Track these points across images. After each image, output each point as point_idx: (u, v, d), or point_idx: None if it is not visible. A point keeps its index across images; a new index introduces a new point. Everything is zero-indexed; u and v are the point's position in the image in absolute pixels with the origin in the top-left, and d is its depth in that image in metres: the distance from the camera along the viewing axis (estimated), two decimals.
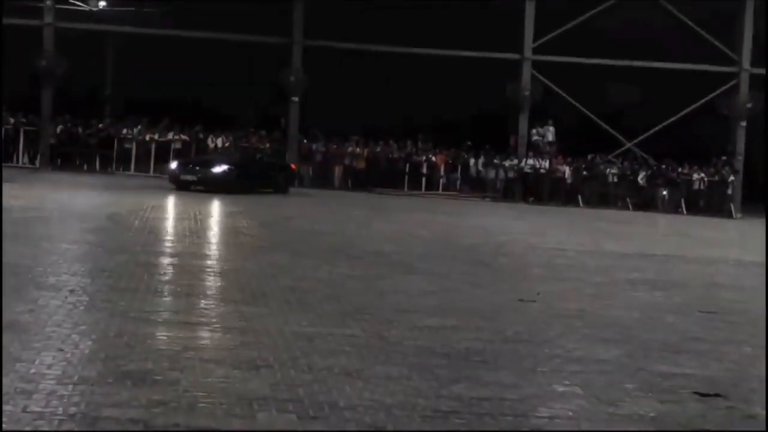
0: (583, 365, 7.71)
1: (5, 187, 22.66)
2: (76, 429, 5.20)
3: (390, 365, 7.23)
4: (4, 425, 5.17)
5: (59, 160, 33.20)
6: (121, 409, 5.59)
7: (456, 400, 6.33)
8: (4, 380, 6.01)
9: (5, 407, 5.46)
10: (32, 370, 6.32)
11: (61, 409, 5.53)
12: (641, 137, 35.02)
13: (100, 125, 34.04)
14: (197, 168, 27.19)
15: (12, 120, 33.06)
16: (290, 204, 25.65)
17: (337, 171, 34.08)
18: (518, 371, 7.38)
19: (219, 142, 33.35)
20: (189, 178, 26.66)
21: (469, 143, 34.57)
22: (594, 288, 12.74)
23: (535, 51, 34.23)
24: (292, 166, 31.97)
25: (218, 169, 27.10)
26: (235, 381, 6.44)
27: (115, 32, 35.45)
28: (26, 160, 32.98)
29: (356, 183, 33.48)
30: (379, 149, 34.39)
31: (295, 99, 33.57)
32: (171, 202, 22.49)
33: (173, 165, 28.22)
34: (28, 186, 23.99)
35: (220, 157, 29.44)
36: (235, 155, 30.28)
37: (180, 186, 26.33)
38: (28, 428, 5.14)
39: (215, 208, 21.84)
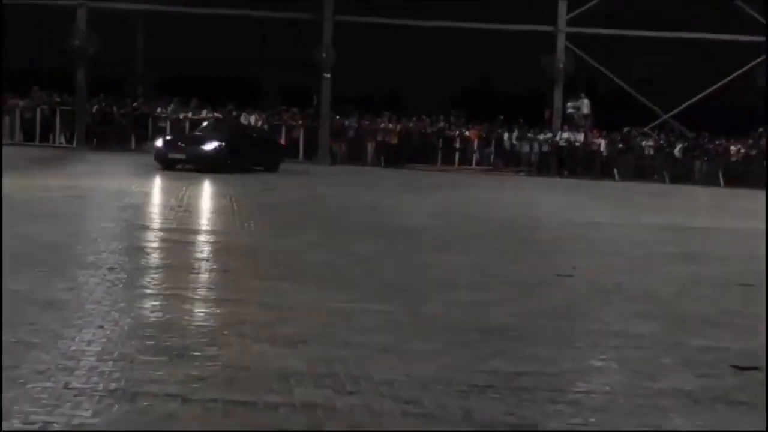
0: (620, 339, 7.69)
1: (43, 166, 22.88)
2: (116, 405, 5.26)
3: (425, 340, 7.24)
4: (45, 401, 5.23)
5: (95, 140, 33.42)
6: (160, 385, 5.64)
7: (492, 374, 6.33)
8: (46, 357, 6.09)
9: (47, 384, 5.53)
10: (73, 347, 6.39)
11: (101, 385, 5.59)
12: (677, 109, 34.72)
13: (134, 104, 34.22)
14: (185, 146, 25.48)
15: (47, 100, 33.31)
16: (323, 181, 25.69)
17: (370, 147, 34.05)
18: (555, 346, 7.37)
19: (252, 119, 33.41)
20: (177, 156, 24.96)
21: (502, 117, 34.40)
22: (631, 262, 12.68)
23: (569, 23, 33.96)
24: (282, 142, 31.23)
25: (209, 146, 25.24)
26: (272, 357, 6.47)
27: (147, 11, 35.52)
28: (62, 140, 33.23)
29: (389, 159, 33.44)
30: (411, 124, 34.31)
31: (327, 75, 33.53)
32: (205, 182, 22.58)
33: (159, 142, 25.93)
34: (64, 165, 24.18)
35: (210, 133, 26.89)
36: (225, 131, 27.53)
37: (166, 165, 24.57)
38: (68, 404, 5.21)
39: (248, 186, 21.90)
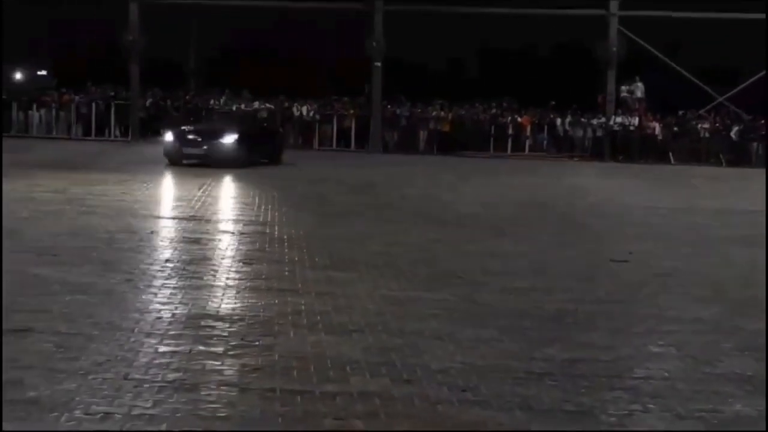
0: (678, 325, 7.61)
1: (98, 159, 23.16)
2: (174, 395, 5.31)
3: (481, 328, 7.23)
4: (106, 392, 5.30)
5: (149, 133, 33.74)
6: (218, 375, 5.70)
7: (548, 361, 6.31)
8: (105, 349, 6.17)
9: (107, 375, 5.60)
10: (132, 339, 6.47)
11: (160, 375, 5.66)
12: (733, 91, 34.21)
13: (187, 96, 34.49)
14: (201, 139, 22.68)
15: (102, 95, 33.70)
16: (376, 169, 25.68)
17: (422, 135, 33.98)
18: (611, 332, 7.32)
19: (304, 110, 33.50)
20: (193, 151, 22.49)
21: (554, 103, 34.13)
22: (688, 246, 12.54)
23: (621, 7, 33.60)
24: (280, 129, 29.72)
25: (228, 139, 22.73)
26: (328, 346, 6.50)
27: (199, 4, 35.73)
28: (118, 133, 33.58)
29: (441, 147, 33.34)
30: (463, 112, 34.18)
31: (378, 64, 33.51)
32: (230, 176, 22.68)
33: (169, 136, 23.26)
34: (119, 158, 24.42)
35: (223, 124, 24.27)
36: (236, 122, 25.12)
37: (175, 161, 22.24)
38: (128, 395, 5.27)
39: (295, 175, 21.96)
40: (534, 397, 5.53)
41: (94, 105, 33.36)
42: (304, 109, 33.57)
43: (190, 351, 6.24)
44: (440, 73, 34.15)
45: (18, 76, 38.91)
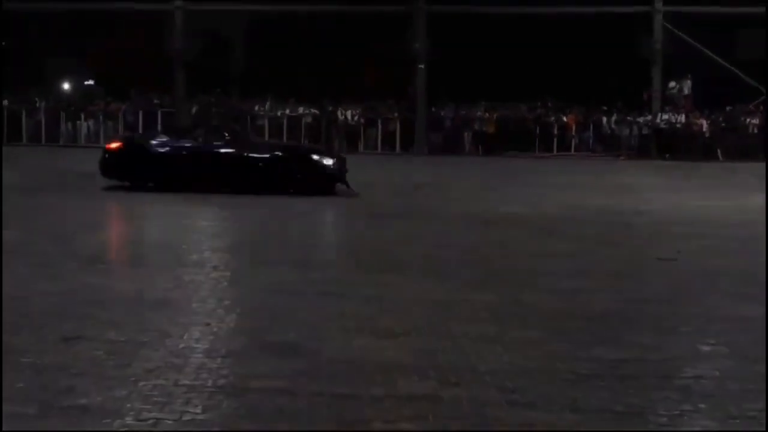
0: (728, 324, 7.54)
1: None
2: (225, 401, 5.36)
3: (528, 329, 7.21)
4: (156, 398, 5.36)
5: None
6: (267, 380, 5.73)
7: (596, 362, 6.28)
8: (155, 355, 6.23)
9: (157, 381, 5.66)
10: (181, 345, 6.53)
11: (210, 381, 5.71)
12: None
13: (232, 103, 34.72)
14: None
15: (146, 102, 34.04)
16: (420, 171, 25.68)
17: (467, 137, 33.94)
18: (659, 332, 7.27)
19: (348, 114, 33.59)
20: None
21: (600, 103, 33.86)
22: (737, 244, 12.41)
23: (666, 2, 33.33)
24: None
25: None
26: (375, 349, 6.52)
27: (242, 10, 35.96)
28: None
29: (486, 148, 33.28)
30: (508, 112, 34.09)
31: (421, 66, 33.52)
32: None
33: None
34: None
35: (201, 135, 18.83)
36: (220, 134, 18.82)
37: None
38: (179, 401, 5.33)
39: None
40: (582, 398, 5.51)
41: (141, 113, 33.70)
42: (349, 114, 33.67)
43: (239, 356, 6.29)
44: (484, 73, 34.03)
45: (66, 86, 39.47)
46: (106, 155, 18.38)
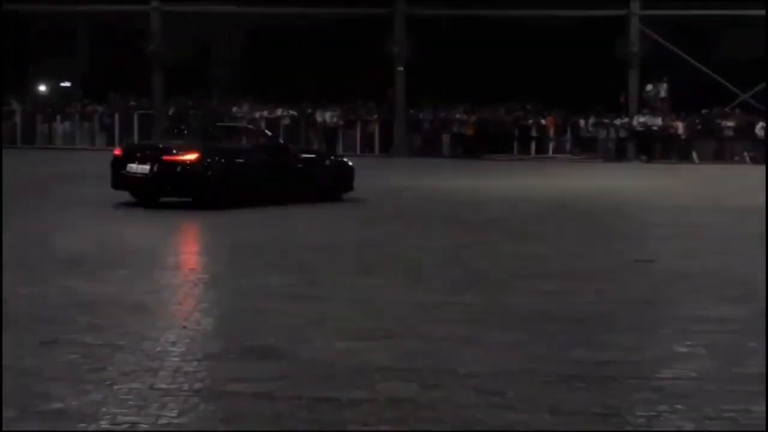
0: (707, 325, 7.56)
1: None
2: (201, 404, 5.32)
3: (508, 331, 7.20)
4: (132, 402, 5.31)
5: None
6: (245, 384, 5.69)
7: (576, 364, 6.27)
8: (132, 358, 6.18)
9: (133, 385, 5.61)
10: (157, 348, 6.48)
11: (186, 385, 5.66)
12: (757, 88, 33.97)
13: (211, 105, 34.63)
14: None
15: (123, 104, 33.90)
16: (400, 173, 25.68)
17: (446, 139, 33.97)
18: (639, 333, 7.28)
19: (327, 116, 33.56)
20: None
21: (578, 106, 33.97)
22: (715, 245, 12.46)
23: (642, 6, 33.48)
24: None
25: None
26: (356, 352, 6.49)
27: (220, 12, 35.88)
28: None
29: (465, 150, 33.32)
30: (486, 115, 34.15)
31: (401, 69, 33.54)
32: None
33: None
34: None
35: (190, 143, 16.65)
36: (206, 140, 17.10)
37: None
38: (155, 405, 5.28)
39: None
40: (562, 400, 5.51)
41: (117, 115, 33.56)
42: (328, 115, 33.64)
43: (217, 360, 6.24)
44: (463, 75, 34.11)
45: (42, 87, 39.25)
46: (170, 171, 14.79)
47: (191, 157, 14.93)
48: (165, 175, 14.91)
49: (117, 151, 16.21)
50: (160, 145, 16.44)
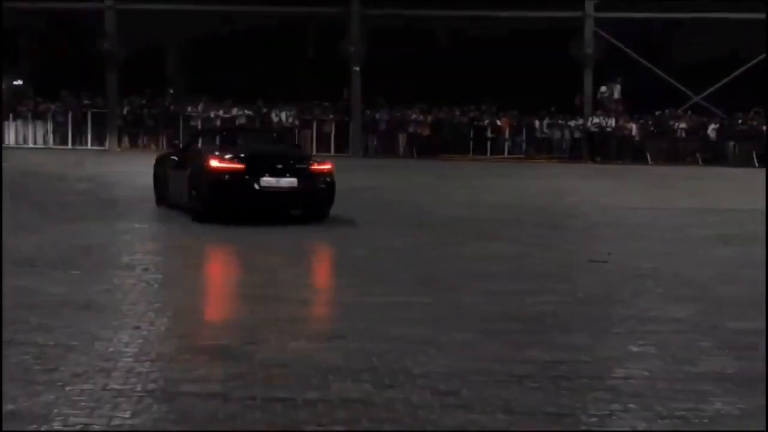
0: (658, 324, 7.64)
1: (76, 169, 23.07)
2: (155, 405, 5.29)
3: (463, 331, 7.22)
4: (84, 403, 5.27)
5: (127, 141, 33.67)
6: (198, 384, 5.66)
7: (530, 363, 6.31)
8: (84, 359, 6.13)
9: (85, 386, 5.57)
10: (110, 349, 6.43)
11: (139, 386, 5.63)
12: (710, 90, 34.39)
13: (165, 104, 34.41)
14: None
15: (76, 103, 33.57)
16: (357, 173, 25.67)
17: (402, 139, 34.02)
18: (592, 333, 7.34)
19: (283, 116, 33.49)
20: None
21: (533, 107, 34.18)
22: (667, 246, 12.59)
23: (596, 8, 33.76)
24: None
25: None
26: (310, 352, 6.48)
27: (175, 10, 35.65)
28: (95, 142, 33.45)
29: (421, 150, 33.40)
30: (442, 115, 34.26)
31: (357, 69, 33.54)
32: None
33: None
34: (96, 167, 24.35)
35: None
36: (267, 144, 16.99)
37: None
38: (108, 406, 5.24)
39: None
40: (515, 400, 5.54)
41: (70, 114, 33.24)
42: (283, 115, 33.56)
43: (170, 360, 6.21)
44: (419, 75, 34.20)
45: None
46: (317, 182, 13.69)
47: (328, 167, 14.14)
48: (312, 186, 13.74)
49: (234, 165, 13.49)
50: (291, 154, 14.76)
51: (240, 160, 13.63)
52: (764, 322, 7.68)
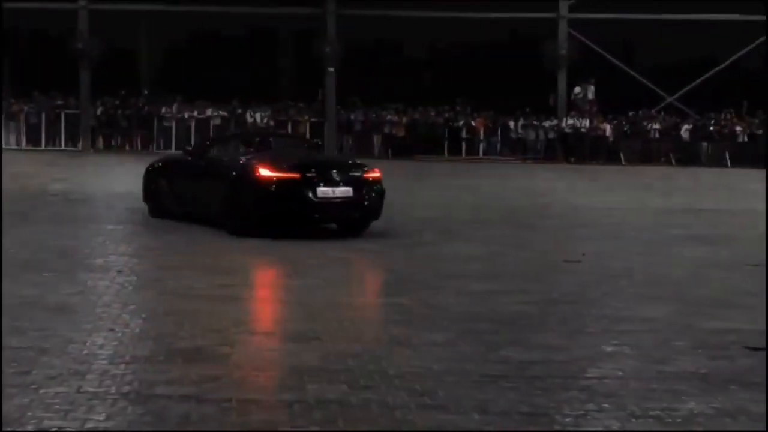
0: (632, 324, 7.68)
1: (49, 170, 22.93)
2: (129, 407, 5.27)
3: (437, 332, 7.24)
4: (58, 406, 5.24)
5: (101, 142, 33.50)
6: (173, 386, 5.65)
7: (504, 363, 6.34)
8: (57, 362, 6.09)
9: (59, 389, 5.54)
10: (84, 351, 6.40)
11: (114, 388, 5.60)
12: (682, 91, 34.60)
13: (139, 104, 34.24)
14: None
15: (49, 104, 33.34)
16: None
17: (377, 140, 34.02)
18: (566, 333, 7.37)
19: (257, 117, 33.42)
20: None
21: (507, 108, 34.27)
22: (640, 246, 12.66)
23: (571, 9, 33.90)
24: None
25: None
26: (285, 354, 6.48)
27: (150, 10, 35.50)
28: (68, 142, 33.24)
29: (396, 151, 33.40)
30: (417, 116, 34.29)
31: (332, 69, 33.52)
32: None
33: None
34: (70, 169, 24.22)
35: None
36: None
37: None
38: (82, 408, 5.22)
39: None
40: (490, 400, 5.55)
41: (43, 115, 33.03)
42: (258, 116, 33.51)
43: (145, 362, 6.18)
44: (394, 76, 34.25)
45: None
46: (370, 191, 12.74)
47: (378, 175, 13.17)
48: (366, 197, 12.77)
49: (289, 174, 12.42)
50: (342, 162, 13.82)
51: (294, 169, 12.52)
52: (733, 322, 7.75)
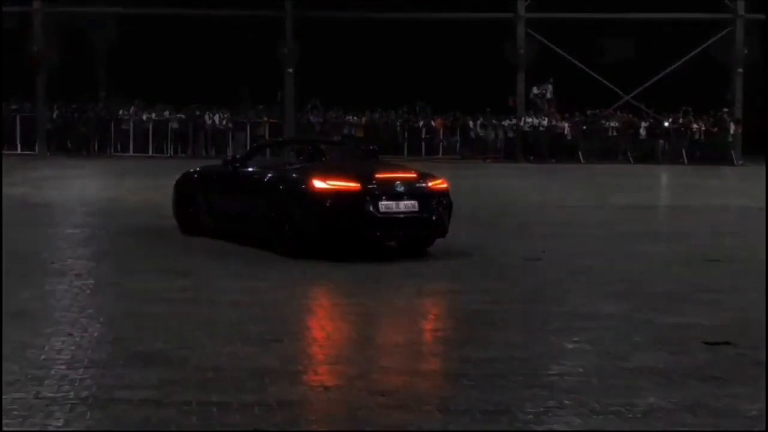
0: (591, 321, 7.73)
1: (6, 174, 22.66)
2: (88, 412, 5.22)
3: (399, 331, 7.25)
4: (16, 412, 5.19)
5: (57, 146, 33.20)
6: (132, 390, 5.60)
7: (465, 362, 6.35)
8: (15, 367, 6.02)
9: (17, 395, 5.48)
10: (42, 356, 6.34)
11: (72, 393, 5.55)
12: (639, 89, 34.87)
13: (96, 108, 33.98)
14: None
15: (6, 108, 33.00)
16: None
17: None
18: (526, 330, 7.40)
19: (216, 119, 33.29)
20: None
21: (467, 108, 34.38)
22: (599, 243, 12.74)
23: (528, 9, 34.06)
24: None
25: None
26: (245, 356, 6.45)
27: (107, 13, 35.22)
28: (24, 147, 32.90)
29: None
30: (377, 117, 34.33)
31: (290, 71, 33.46)
32: None
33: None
34: (26, 173, 23.97)
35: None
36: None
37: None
38: (40, 414, 5.16)
39: None
40: (451, 398, 5.56)
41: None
42: (216, 118, 33.38)
43: (103, 366, 6.13)
44: (353, 78, 34.20)
45: None
46: (436, 204, 11.35)
47: (445, 185, 11.78)
48: (434, 211, 11.37)
49: (347, 185, 11.04)
50: (405, 171, 11.93)
51: (352, 180, 11.11)
52: (691, 317, 7.83)
